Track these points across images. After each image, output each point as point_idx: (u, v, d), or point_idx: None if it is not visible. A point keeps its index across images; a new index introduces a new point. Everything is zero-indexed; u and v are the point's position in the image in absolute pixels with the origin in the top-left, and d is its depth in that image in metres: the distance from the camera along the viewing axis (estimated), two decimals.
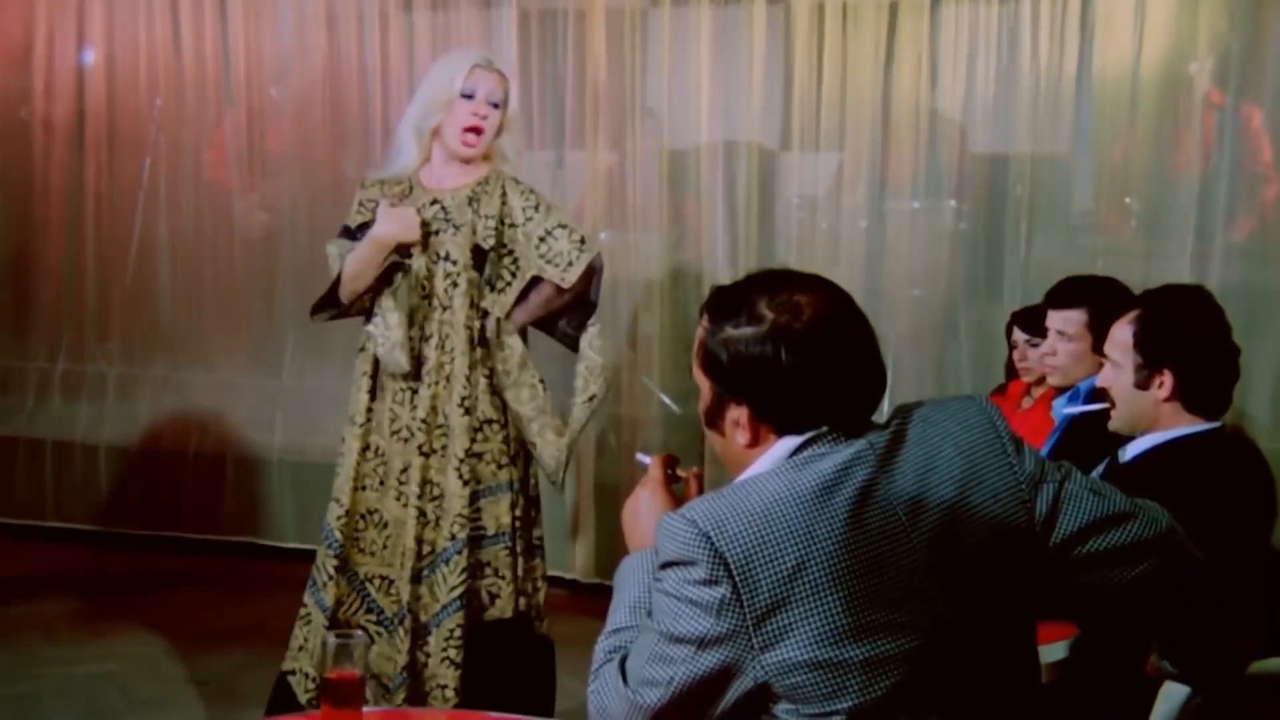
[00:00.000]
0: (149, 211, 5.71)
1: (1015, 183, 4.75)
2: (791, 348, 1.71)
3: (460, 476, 3.42)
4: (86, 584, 5.21)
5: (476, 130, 3.44)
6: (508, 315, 3.48)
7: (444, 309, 3.43)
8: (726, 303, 1.78)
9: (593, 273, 3.49)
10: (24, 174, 5.81)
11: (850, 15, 4.85)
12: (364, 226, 3.50)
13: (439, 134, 3.48)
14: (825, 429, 1.73)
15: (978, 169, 4.83)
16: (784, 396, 1.74)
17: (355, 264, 3.43)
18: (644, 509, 1.95)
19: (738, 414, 1.77)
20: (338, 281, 3.49)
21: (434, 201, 3.47)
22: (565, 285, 3.45)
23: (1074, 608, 2.12)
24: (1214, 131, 4.52)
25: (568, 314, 3.53)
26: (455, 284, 3.43)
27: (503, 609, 3.46)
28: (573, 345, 3.55)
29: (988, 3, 4.72)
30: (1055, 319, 3.43)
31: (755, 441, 1.77)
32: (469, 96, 3.43)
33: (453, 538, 3.42)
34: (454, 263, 3.43)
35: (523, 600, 3.52)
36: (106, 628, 4.76)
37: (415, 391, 3.45)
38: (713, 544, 1.64)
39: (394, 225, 3.39)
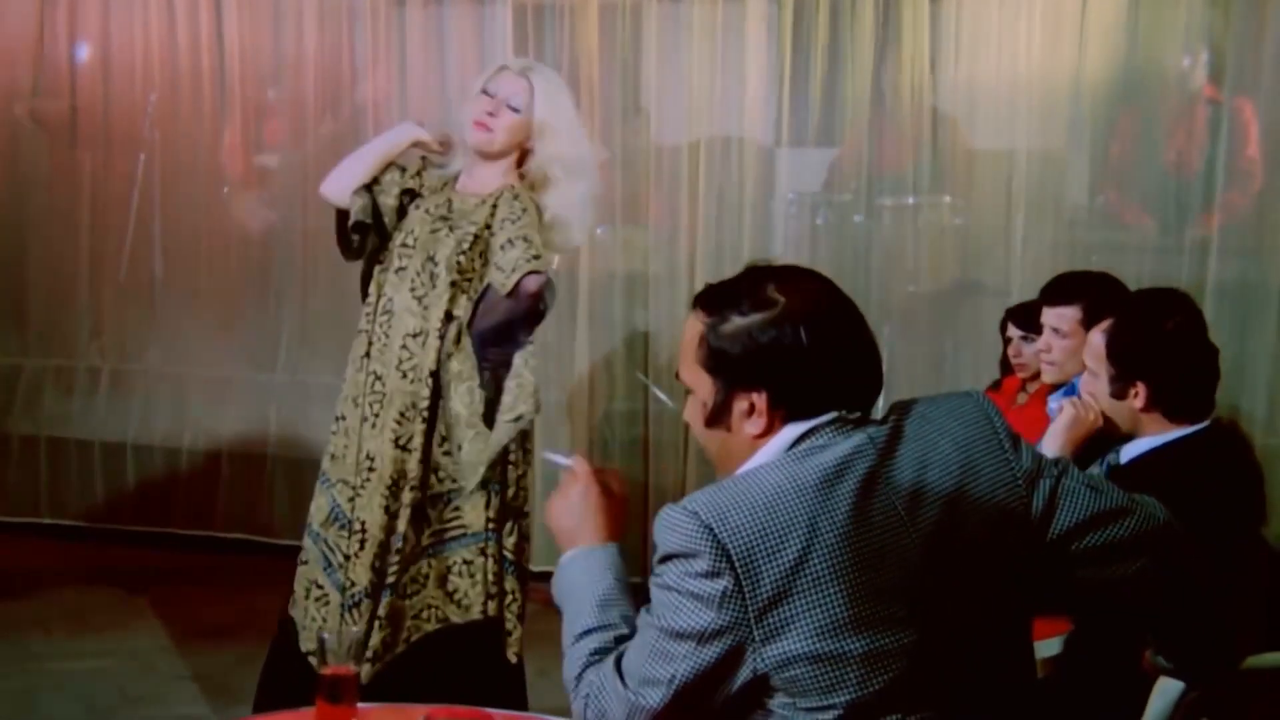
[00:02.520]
0: (143, 207, 5.69)
1: (1011, 178, 4.75)
2: (809, 327, 1.72)
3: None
4: (81, 580, 5.21)
5: (483, 125, 3.40)
6: (470, 320, 3.42)
7: (425, 309, 3.41)
8: (729, 294, 1.78)
9: (533, 292, 3.36)
10: (17, 169, 5.79)
11: (845, 10, 4.85)
12: (408, 194, 3.57)
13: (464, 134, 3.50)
14: (834, 416, 1.73)
15: (973, 164, 4.83)
16: (803, 376, 1.73)
17: (357, 160, 3.57)
18: (577, 505, 1.95)
19: (750, 402, 1.75)
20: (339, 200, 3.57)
21: (448, 199, 3.47)
22: (503, 291, 3.35)
23: (1071, 603, 2.12)
24: (1209, 127, 4.52)
25: (512, 334, 3.42)
26: (434, 286, 3.40)
27: (467, 610, 3.42)
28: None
29: None
30: (1050, 315, 3.43)
31: (769, 429, 1.75)
32: (488, 94, 3.42)
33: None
34: (436, 264, 3.40)
35: (492, 605, 3.44)
36: (101, 624, 4.76)
37: (383, 379, 3.43)
38: (715, 536, 1.63)
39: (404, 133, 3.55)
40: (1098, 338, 2.66)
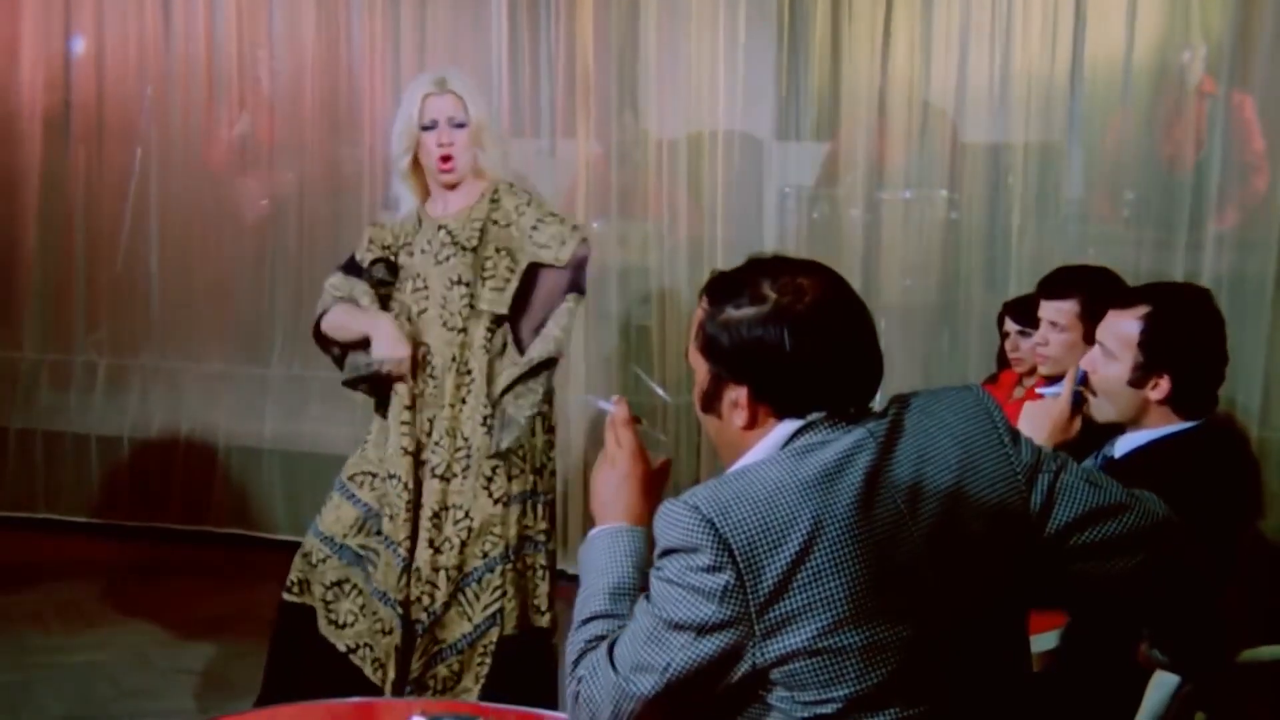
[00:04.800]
0: (139, 202, 5.69)
1: (1007, 172, 4.75)
2: (794, 329, 1.71)
3: (490, 494, 3.41)
4: (76, 574, 5.21)
5: (446, 159, 3.45)
6: (514, 326, 3.48)
7: (459, 331, 3.43)
8: (728, 284, 1.78)
9: (583, 259, 3.49)
10: (12, 165, 5.78)
11: (843, 3, 4.84)
12: (375, 263, 3.53)
13: (422, 169, 3.51)
14: (823, 414, 1.73)
15: (970, 158, 4.82)
16: (784, 377, 1.73)
17: (341, 327, 3.51)
18: (616, 480, 1.93)
19: (736, 395, 1.76)
20: (320, 322, 3.53)
21: (440, 228, 3.48)
22: (560, 263, 3.44)
23: (1068, 597, 2.12)
24: (1206, 121, 4.51)
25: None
26: (471, 305, 3.43)
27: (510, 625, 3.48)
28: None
29: None
30: (1047, 309, 3.43)
31: (753, 423, 1.76)
32: (430, 127, 3.44)
33: (484, 555, 3.42)
34: (466, 284, 3.43)
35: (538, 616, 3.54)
36: (97, 618, 4.76)
37: (420, 414, 3.44)
38: (716, 530, 1.63)
39: (387, 351, 3.42)
40: (1128, 323, 2.63)
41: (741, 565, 1.62)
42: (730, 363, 1.76)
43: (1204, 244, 4.49)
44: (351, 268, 3.58)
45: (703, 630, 1.64)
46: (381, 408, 3.52)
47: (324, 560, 3.51)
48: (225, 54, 5.52)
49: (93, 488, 5.78)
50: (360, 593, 3.49)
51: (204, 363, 5.72)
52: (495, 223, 3.47)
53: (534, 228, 3.46)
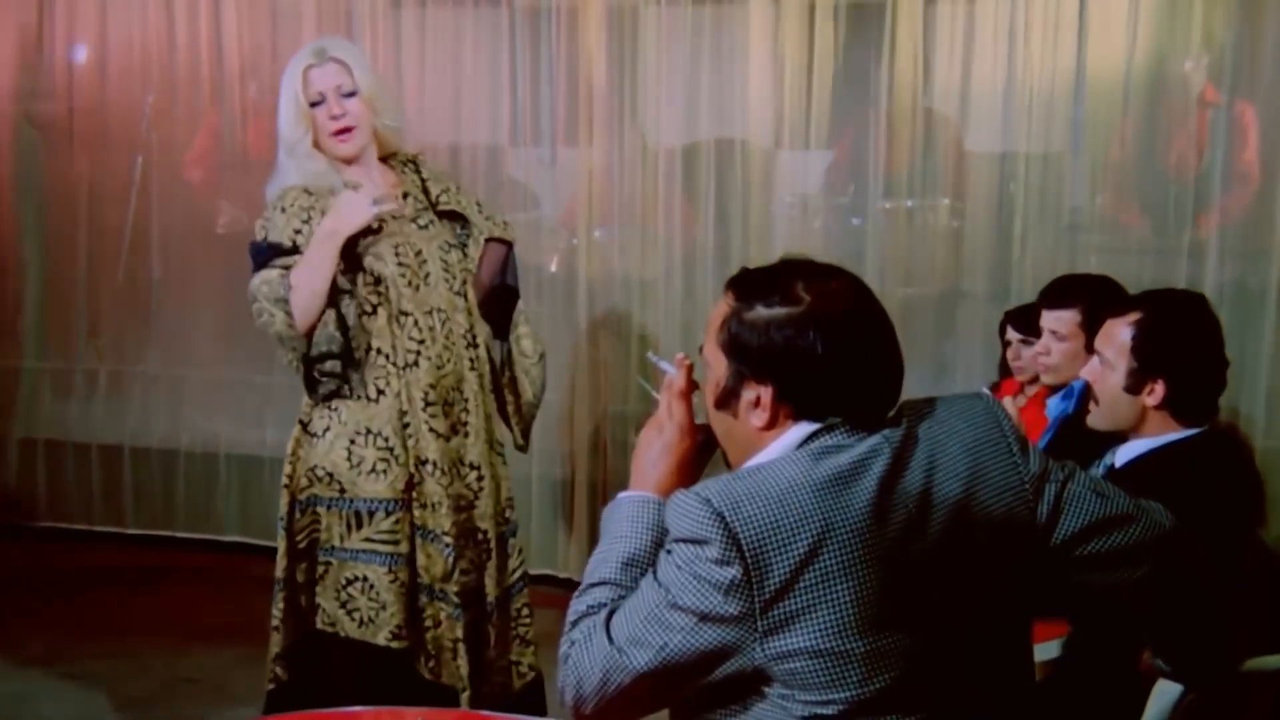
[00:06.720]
0: (140, 209, 5.68)
1: (1010, 181, 4.74)
2: (827, 332, 1.71)
3: (503, 459, 3.51)
4: (78, 583, 5.21)
5: (343, 132, 3.27)
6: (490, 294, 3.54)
7: (466, 297, 3.40)
8: (760, 283, 1.78)
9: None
10: (13, 171, 5.79)
11: (844, 13, 4.84)
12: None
13: (321, 147, 3.30)
14: (840, 419, 1.72)
15: (973, 167, 4.82)
16: (811, 380, 1.73)
17: (313, 276, 3.18)
18: (658, 446, 1.92)
19: (758, 394, 1.75)
20: (292, 316, 3.24)
21: (406, 195, 3.40)
22: (510, 238, 3.53)
23: (1073, 606, 2.12)
24: (1208, 129, 4.51)
25: (498, 293, 3.54)
26: (466, 276, 3.42)
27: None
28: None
29: (983, 0, 4.71)
30: (1049, 318, 3.43)
31: (772, 424, 1.76)
32: (318, 102, 3.26)
33: (507, 521, 3.49)
34: (461, 250, 3.44)
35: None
36: (98, 626, 4.75)
37: (460, 389, 3.39)
38: (727, 524, 1.63)
39: (355, 215, 3.15)
40: (1125, 331, 2.64)
41: (749, 561, 1.62)
42: (756, 362, 1.75)
43: (1207, 253, 4.49)
44: (275, 252, 3.21)
45: (705, 618, 1.65)
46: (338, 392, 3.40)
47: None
48: (228, 63, 5.52)
49: (94, 496, 5.77)
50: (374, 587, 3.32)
51: (205, 370, 5.71)
52: (442, 191, 3.47)
53: (478, 204, 3.54)
